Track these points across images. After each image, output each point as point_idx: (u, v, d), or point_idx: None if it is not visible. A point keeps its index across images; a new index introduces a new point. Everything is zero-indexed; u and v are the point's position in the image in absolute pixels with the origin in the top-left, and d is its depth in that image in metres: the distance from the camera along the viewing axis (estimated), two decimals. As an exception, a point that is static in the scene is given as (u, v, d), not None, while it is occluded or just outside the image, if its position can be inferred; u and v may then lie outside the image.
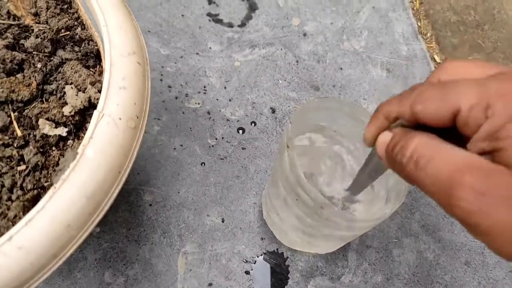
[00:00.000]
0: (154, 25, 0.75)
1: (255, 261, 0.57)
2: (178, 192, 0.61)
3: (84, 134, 0.32)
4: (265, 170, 0.64)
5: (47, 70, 0.38)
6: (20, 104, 0.36)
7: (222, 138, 0.66)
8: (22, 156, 0.34)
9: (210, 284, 0.55)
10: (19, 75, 0.37)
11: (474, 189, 0.18)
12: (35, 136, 0.35)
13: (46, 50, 0.39)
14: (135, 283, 0.54)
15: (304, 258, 0.58)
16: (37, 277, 0.29)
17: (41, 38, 0.39)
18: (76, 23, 0.43)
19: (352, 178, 0.38)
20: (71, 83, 0.37)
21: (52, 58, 0.40)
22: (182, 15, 0.78)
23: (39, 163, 0.34)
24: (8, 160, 0.34)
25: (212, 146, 0.65)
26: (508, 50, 0.81)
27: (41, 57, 0.39)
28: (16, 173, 0.33)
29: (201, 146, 0.65)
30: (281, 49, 0.77)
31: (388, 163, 0.24)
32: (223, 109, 0.68)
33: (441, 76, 0.24)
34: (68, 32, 0.42)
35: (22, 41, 0.40)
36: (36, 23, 0.42)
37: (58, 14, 0.43)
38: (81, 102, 0.36)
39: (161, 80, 0.70)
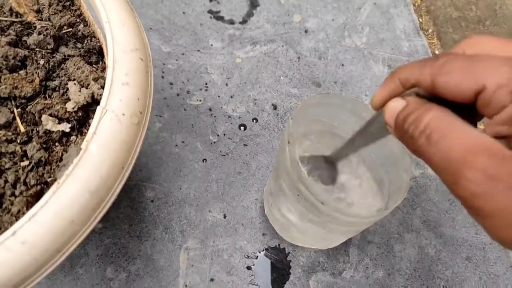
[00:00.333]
0: (155, 22, 0.76)
1: (257, 257, 0.57)
2: (180, 188, 0.61)
3: (87, 130, 0.32)
4: (267, 166, 0.64)
5: (50, 66, 0.39)
6: (23, 100, 0.36)
7: (224, 134, 0.66)
8: (25, 152, 0.34)
9: (212, 280, 0.55)
10: (22, 72, 0.37)
11: (485, 172, 0.17)
12: (38, 132, 0.35)
13: (48, 47, 0.39)
14: (137, 278, 0.54)
15: (306, 254, 0.58)
16: (40, 272, 0.29)
17: (44, 35, 0.39)
18: (78, 19, 0.43)
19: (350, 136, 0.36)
20: (74, 79, 0.38)
21: (54, 55, 0.40)
22: (183, 12, 0.78)
23: (42, 158, 0.34)
24: (12, 155, 0.34)
25: (214, 142, 0.65)
26: (509, 46, 0.80)
27: (43, 53, 0.39)
28: (20, 168, 0.33)
29: (202, 143, 0.65)
30: (283, 46, 0.77)
31: (397, 132, 0.23)
32: (224, 106, 0.69)
33: (467, 49, 0.23)
34: (70, 29, 0.42)
35: (24, 38, 0.40)
36: (39, 20, 0.42)
37: (61, 11, 0.43)
38: (84, 98, 0.36)
39: (162, 77, 0.70)
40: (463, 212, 0.64)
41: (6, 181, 0.33)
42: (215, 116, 0.67)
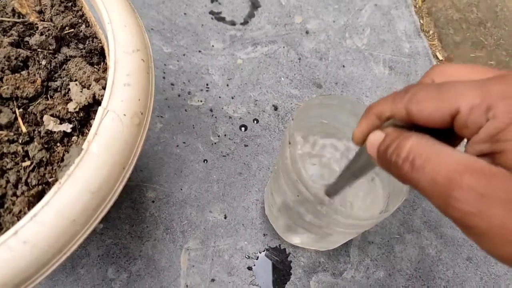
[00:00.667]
0: (156, 23, 0.76)
1: (258, 257, 0.57)
2: (181, 189, 0.61)
3: (89, 131, 0.32)
4: (267, 167, 0.64)
5: (52, 67, 0.39)
6: (25, 101, 0.36)
7: (225, 135, 0.66)
8: (27, 152, 0.34)
9: (213, 280, 0.55)
10: (24, 72, 0.37)
11: (474, 190, 0.18)
12: (39, 132, 0.35)
13: (50, 47, 0.40)
14: (138, 279, 0.55)
15: (306, 254, 0.58)
16: (41, 272, 0.29)
17: (46, 36, 0.39)
18: (80, 20, 0.44)
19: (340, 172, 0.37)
20: (76, 80, 0.38)
21: (56, 55, 0.40)
22: (185, 13, 0.78)
23: (43, 159, 0.34)
24: (13, 156, 0.34)
25: (215, 143, 0.65)
26: (511, 47, 0.81)
27: (45, 54, 0.39)
28: (21, 168, 0.33)
29: (203, 143, 0.65)
30: (284, 47, 0.77)
31: (381, 163, 0.24)
32: (225, 107, 0.69)
33: (435, 78, 0.24)
34: (72, 30, 0.42)
35: (26, 39, 0.40)
36: (41, 20, 0.42)
37: (63, 12, 0.43)
38: (86, 98, 0.36)
39: (163, 78, 0.70)
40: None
41: (7, 181, 0.33)
42: (216, 117, 0.68)
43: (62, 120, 0.36)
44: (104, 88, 0.37)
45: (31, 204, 0.32)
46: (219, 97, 0.69)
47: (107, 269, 0.55)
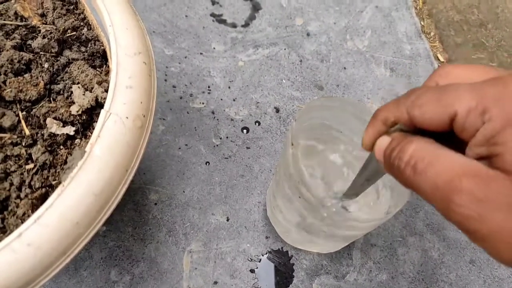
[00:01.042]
0: (158, 26, 0.76)
1: (260, 260, 0.57)
2: (183, 191, 0.61)
3: (91, 133, 0.32)
4: (269, 169, 0.64)
5: (54, 70, 0.39)
6: (28, 104, 0.37)
7: (227, 137, 0.66)
8: (30, 154, 0.34)
9: (216, 283, 0.55)
10: (26, 75, 0.37)
11: (472, 195, 0.18)
12: (43, 135, 0.35)
13: (53, 50, 0.40)
14: (141, 281, 0.55)
15: (309, 257, 0.58)
16: (45, 274, 0.29)
17: (48, 39, 0.40)
18: (82, 23, 0.44)
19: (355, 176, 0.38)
20: (78, 83, 0.38)
21: (59, 58, 0.40)
22: (186, 16, 0.78)
23: (47, 161, 0.34)
24: (17, 158, 0.34)
25: (217, 145, 0.65)
26: (512, 48, 0.81)
27: (48, 57, 0.39)
28: (25, 171, 0.34)
29: (205, 146, 0.65)
30: (285, 49, 0.77)
31: (386, 167, 0.24)
32: (227, 109, 0.69)
33: (438, 80, 0.24)
34: (74, 33, 0.42)
35: (29, 42, 0.40)
36: (43, 23, 0.42)
37: (65, 15, 0.43)
38: (88, 101, 0.36)
39: (165, 80, 0.70)
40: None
41: (11, 184, 0.33)
42: (217, 119, 0.68)
43: (65, 123, 0.36)
44: (106, 90, 0.37)
45: (34, 207, 0.32)
46: (221, 99, 0.70)
47: (110, 272, 0.55)
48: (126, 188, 0.33)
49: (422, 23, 0.85)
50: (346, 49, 0.79)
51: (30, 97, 0.36)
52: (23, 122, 0.36)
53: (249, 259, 0.57)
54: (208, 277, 0.56)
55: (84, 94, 0.37)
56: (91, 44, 0.43)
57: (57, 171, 0.34)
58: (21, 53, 0.38)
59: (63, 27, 0.42)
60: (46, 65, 0.39)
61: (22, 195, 0.32)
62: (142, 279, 0.55)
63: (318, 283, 0.57)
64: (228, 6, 0.81)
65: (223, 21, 0.79)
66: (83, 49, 0.42)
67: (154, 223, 0.58)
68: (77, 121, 0.36)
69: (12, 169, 0.33)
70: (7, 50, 0.38)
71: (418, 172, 0.20)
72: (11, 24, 0.41)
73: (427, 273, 0.59)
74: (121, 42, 0.37)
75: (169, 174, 0.62)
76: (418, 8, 0.87)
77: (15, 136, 0.35)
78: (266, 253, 0.58)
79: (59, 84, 0.39)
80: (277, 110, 0.70)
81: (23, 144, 0.35)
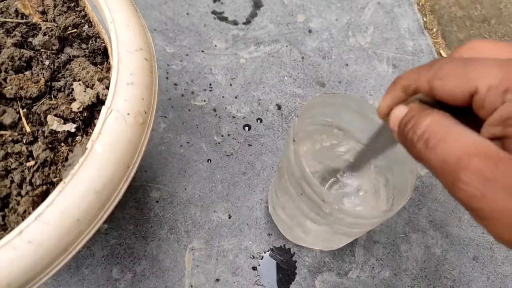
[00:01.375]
0: (159, 24, 0.76)
1: (262, 257, 0.57)
2: (185, 189, 0.61)
3: (93, 130, 0.32)
4: (271, 166, 0.64)
5: (55, 67, 0.39)
6: (28, 101, 0.36)
7: (228, 135, 0.66)
8: (31, 152, 0.34)
9: (217, 280, 0.55)
10: (27, 73, 0.37)
11: (480, 174, 0.18)
12: (43, 132, 0.35)
13: (53, 48, 0.40)
14: (143, 279, 0.54)
15: (311, 254, 0.58)
16: (46, 271, 0.29)
17: (49, 36, 0.39)
18: (83, 20, 0.44)
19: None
20: (79, 80, 0.38)
21: (59, 56, 0.40)
22: (187, 13, 0.78)
23: (48, 159, 0.34)
24: (17, 156, 0.34)
25: (218, 143, 0.65)
26: (515, 44, 0.80)
27: (49, 54, 0.39)
28: (25, 168, 0.33)
29: (207, 143, 0.65)
30: (286, 46, 0.77)
31: (399, 138, 0.24)
32: (229, 106, 0.69)
33: (465, 53, 0.23)
34: (75, 30, 0.42)
35: (30, 39, 0.40)
36: (44, 21, 0.42)
37: (65, 12, 0.43)
38: (89, 98, 0.36)
39: (167, 78, 0.70)
40: (469, 212, 0.63)
41: (12, 181, 0.33)
42: (219, 117, 0.67)
43: (66, 120, 0.36)
44: (107, 87, 0.37)
45: (35, 204, 0.31)
46: (223, 96, 0.69)
47: (111, 269, 0.55)
48: (127, 185, 0.33)
49: (425, 19, 0.85)
50: (348, 45, 0.78)
51: (30, 94, 0.36)
52: (23, 119, 0.35)
53: (251, 256, 0.57)
54: (210, 274, 0.55)
55: (85, 91, 0.37)
56: (92, 41, 0.42)
57: (58, 168, 0.34)
58: (22, 50, 0.38)
59: (64, 24, 0.42)
60: (47, 62, 0.38)
61: (23, 192, 0.32)
62: (144, 276, 0.55)
63: (320, 280, 0.56)
64: (230, 3, 0.80)
65: (225, 19, 0.78)
66: (84, 46, 0.42)
67: (156, 221, 0.58)
68: (78, 118, 0.36)
69: (13, 166, 0.33)
70: (8, 48, 0.37)
71: (429, 147, 0.20)
72: (11, 22, 0.41)
73: (430, 270, 0.59)
74: (122, 38, 0.37)
75: (170, 171, 0.62)
76: (420, 4, 0.87)
77: (16, 134, 0.35)
78: (268, 250, 0.58)
79: (60, 81, 0.38)
80: (279, 107, 0.69)
81: (24, 142, 0.35)
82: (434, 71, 0.22)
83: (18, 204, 0.31)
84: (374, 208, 0.47)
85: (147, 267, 0.55)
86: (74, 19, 0.43)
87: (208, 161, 0.63)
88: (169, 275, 0.55)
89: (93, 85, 0.37)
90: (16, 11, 0.42)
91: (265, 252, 0.57)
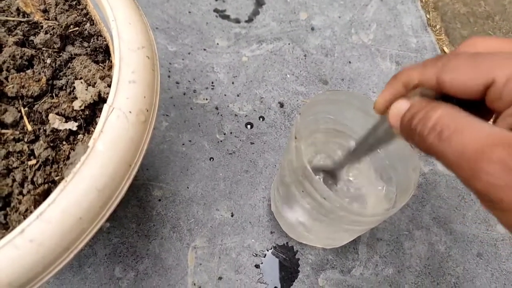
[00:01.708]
0: (161, 22, 0.76)
1: (265, 255, 0.57)
2: (187, 187, 0.61)
3: (94, 128, 0.32)
4: (274, 164, 0.64)
5: (57, 65, 0.39)
6: (30, 99, 0.36)
7: (231, 133, 0.66)
8: (32, 150, 0.34)
9: (220, 278, 0.55)
10: (29, 71, 0.37)
11: (504, 163, 0.17)
12: (45, 130, 0.35)
13: (55, 46, 0.40)
14: (146, 277, 0.54)
15: (314, 252, 0.58)
16: (48, 270, 0.29)
17: (50, 34, 0.39)
18: (84, 18, 0.43)
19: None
20: (81, 78, 0.38)
21: (61, 54, 0.40)
22: (189, 12, 0.78)
23: (49, 157, 0.34)
24: (19, 154, 0.34)
25: (221, 141, 0.65)
26: (519, 41, 0.79)
27: (50, 53, 0.39)
28: (27, 167, 0.33)
29: (209, 142, 0.65)
30: (289, 44, 0.76)
31: (404, 133, 0.23)
32: (231, 105, 0.68)
33: (466, 49, 0.23)
34: (77, 28, 0.42)
35: (31, 38, 0.40)
36: (45, 19, 0.42)
37: (67, 10, 0.43)
38: (91, 96, 0.36)
39: (169, 76, 0.70)
40: (473, 208, 0.63)
41: (14, 180, 0.33)
42: (221, 115, 0.67)
43: (67, 118, 0.36)
44: (109, 85, 0.37)
45: (37, 203, 0.31)
46: (225, 95, 0.69)
47: (114, 268, 0.55)
48: (129, 184, 0.33)
49: (428, 16, 0.84)
50: (351, 43, 0.78)
51: (32, 92, 0.36)
52: (25, 118, 0.35)
53: (254, 254, 0.57)
54: (212, 272, 0.55)
55: (86, 89, 0.37)
56: (93, 39, 0.42)
57: (59, 166, 0.34)
58: (23, 49, 0.38)
59: (65, 23, 0.41)
60: (48, 61, 0.38)
61: (24, 191, 0.32)
62: (146, 275, 0.55)
63: (323, 278, 0.56)
64: (232, 1, 0.80)
65: (227, 17, 0.78)
66: (85, 44, 0.42)
67: (158, 219, 0.58)
68: (79, 117, 0.36)
69: (15, 165, 0.33)
70: (10, 46, 0.37)
71: (443, 139, 0.20)
72: (13, 20, 0.41)
73: (433, 267, 0.59)
74: (124, 36, 0.36)
75: (172, 170, 0.62)
76: (423, 0, 0.86)
77: (17, 132, 0.35)
78: (271, 248, 0.58)
79: (61, 79, 0.38)
80: (282, 105, 0.69)
81: (26, 140, 0.34)
82: (442, 64, 0.22)
83: (19, 203, 0.31)
84: (376, 206, 0.47)
85: (149, 265, 0.55)
86: (76, 17, 0.43)
87: (210, 159, 0.63)
88: (171, 273, 0.55)
89: (95, 83, 0.37)
90: (18, 9, 0.42)
91: (268, 250, 0.57)
